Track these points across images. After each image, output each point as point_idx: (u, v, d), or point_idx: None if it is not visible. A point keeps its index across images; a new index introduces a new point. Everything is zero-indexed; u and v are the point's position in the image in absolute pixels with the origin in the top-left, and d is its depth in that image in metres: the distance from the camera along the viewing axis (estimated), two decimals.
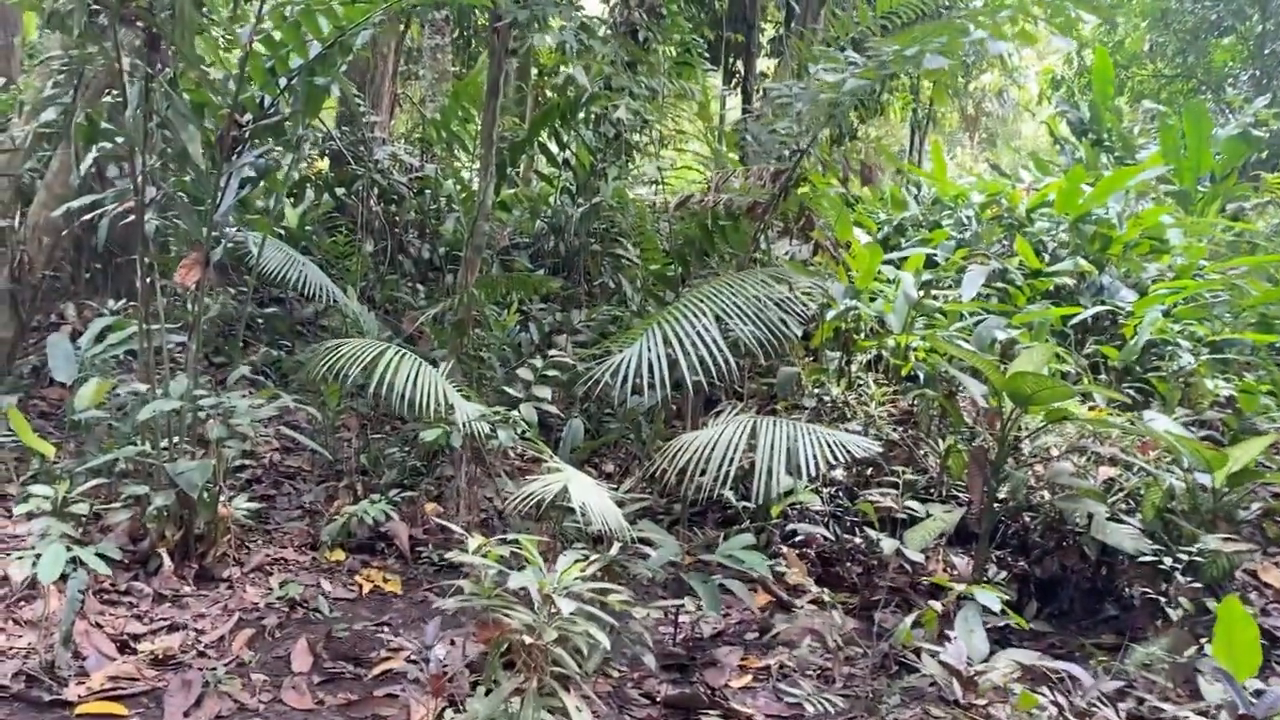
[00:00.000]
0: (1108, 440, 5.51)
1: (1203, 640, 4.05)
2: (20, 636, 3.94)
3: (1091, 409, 5.71)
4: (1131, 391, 6.28)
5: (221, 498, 4.86)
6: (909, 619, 4.02)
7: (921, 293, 6.64)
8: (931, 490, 5.56)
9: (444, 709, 3.49)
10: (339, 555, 5.16)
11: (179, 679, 3.76)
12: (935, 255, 8.02)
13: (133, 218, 4.75)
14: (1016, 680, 3.63)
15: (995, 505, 4.96)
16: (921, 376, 6.31)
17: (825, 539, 5.30)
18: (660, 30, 9.16)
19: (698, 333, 4.99)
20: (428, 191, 9.24)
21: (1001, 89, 22.18)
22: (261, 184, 5.94)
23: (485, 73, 6.42)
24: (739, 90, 13.33)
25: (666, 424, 6.11)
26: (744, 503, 5.24)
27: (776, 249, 7.00)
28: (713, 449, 4.42)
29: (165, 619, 4.29)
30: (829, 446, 4.34)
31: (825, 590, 4.66)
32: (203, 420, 4.79)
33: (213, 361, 7.26)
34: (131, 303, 5.55)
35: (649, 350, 5.02)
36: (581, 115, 8.52)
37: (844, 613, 4.56)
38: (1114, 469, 5.34)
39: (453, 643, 4.08)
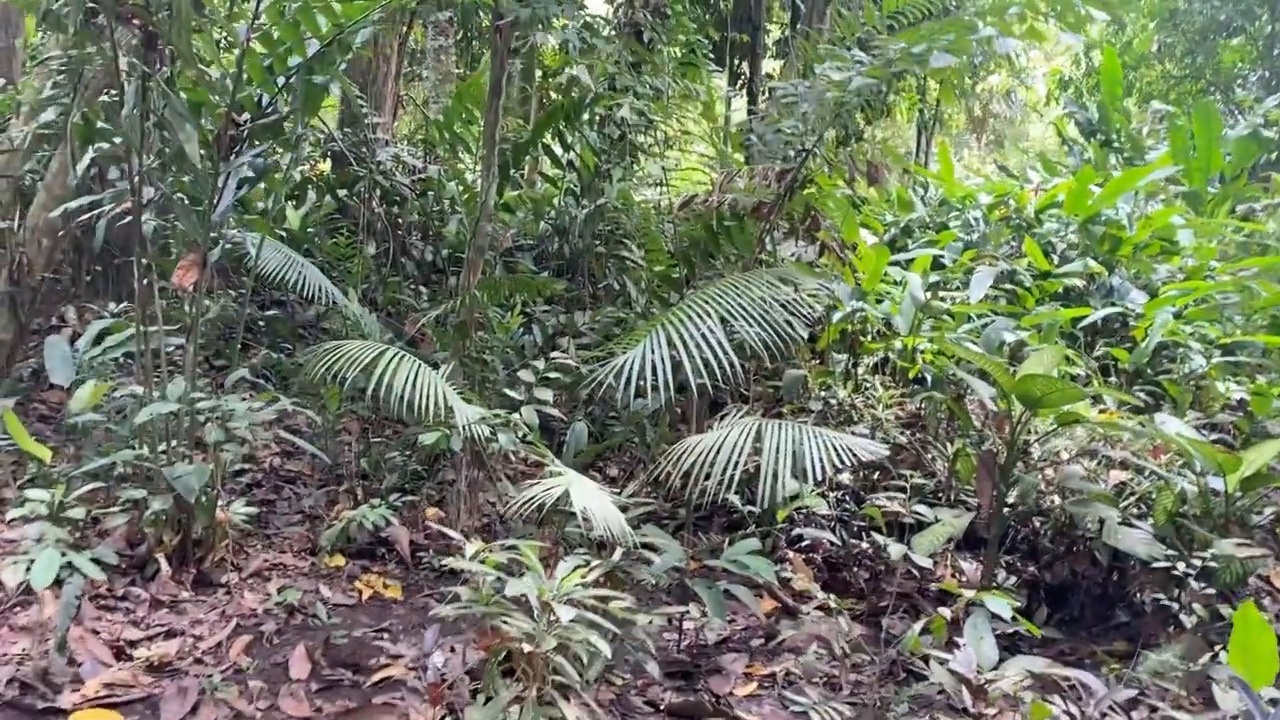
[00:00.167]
0: (1118, 444, 5.44)
1: (1217, 647, 3.98)
2: (14, 643, 3.89)
3: (1102, 412, 5.64)
4: (1142, 394, 6.21)
5: (220, 502, 4.81)
6: (917, 626, 3.95)
7: (929, 294, 6.57)
8: (939, 494, 5.49)
9: (443, 717, 3.43)
10: (339, 561, 5.10)
11: (175, 686, 3.70)
12: (942, 257, 7.96)
13: (132, 219, 4.70)
14: (1027, 689, 3.56)
15: (1004, 510, 4.89)
16: (929, 379, 6.24)
17: (832, 544, 5.24)
18: (665, 30, 9.10)
19: (702, 335, 4.92)
20: (430, 193, 9.20)
21: (1009, 90, 22.12)
22: (262, 185, 5.88)
23: (488, 73, 6.37)
24: (744, 91, 13.29)
25: (671, 427, 6.04)
26: (749, 507, 5.18)
27: (782, 250, 6.93)
28: (718, 452, 4.35)
29: (162, 625, 4.24)
30: (835, 450, 4.27)
31: (832, 596, 4.59)
32: (201, 424, 4.73)
33: (213, 365, 7.22)
34: (132, 305, 5.50)
35: (653, 352, 4.95)
36: (586, 116, 8.47)
37: (851, 619, 4.49)
38: (1125, 473, 5.26)
39: (453, 649, 4.02)
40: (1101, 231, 7.98)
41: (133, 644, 4.04)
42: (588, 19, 7.70)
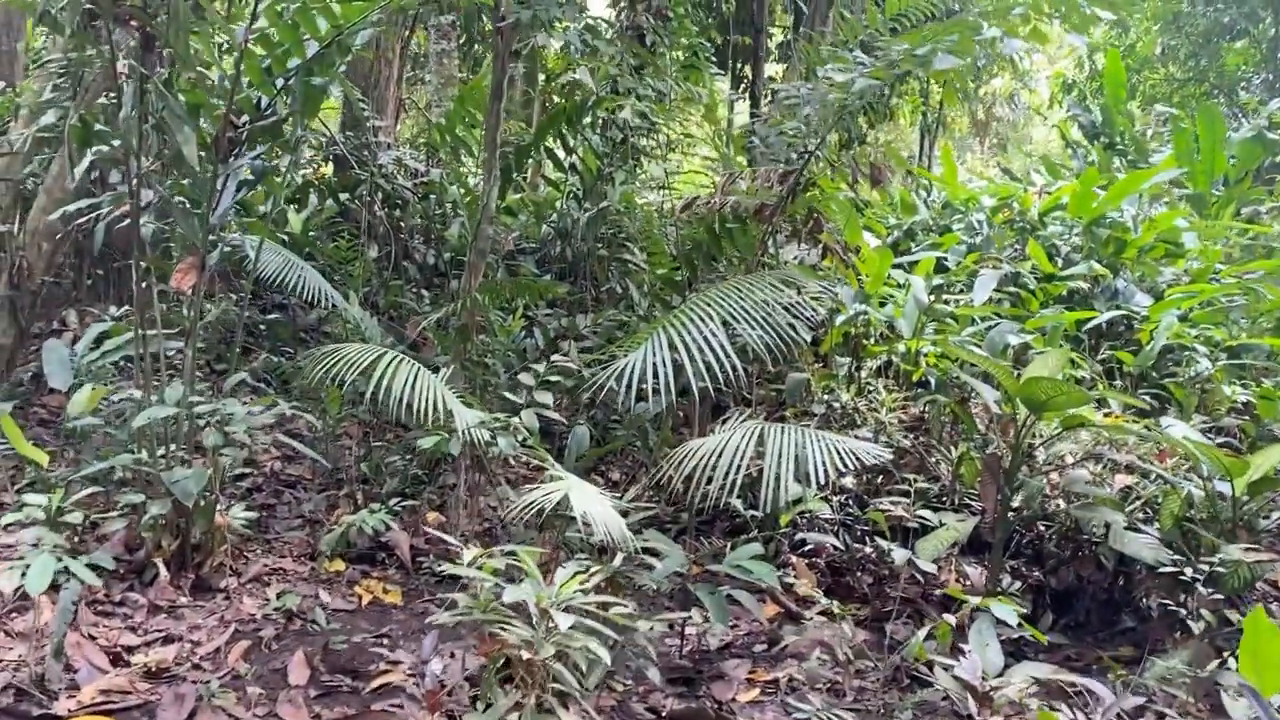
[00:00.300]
0: (1124, 448, 5.40)
1: (1225, 654, 3.94)
2: (10, 649, 3.86)
3: (1107, 415, 5.59)
4: (1147, 398, 6.17)
5: (219, 507, 4.78)
6: (922, 632, 3.91)
7: (932, 297, 6.53)
8: (943, 498, 5.45)
9: None
10: (338, 565, 5.07)
11: (172, 692, 3.67)
12: (946, 260, 7.91)
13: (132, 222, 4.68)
14: (1033, 695, 3.52)
15: (1009, 514, 4.85)
16: (933, 382, 6.20)
17: (835, 548, 5.19)
18: (667, 33, 9.07)
19: (704, 337, 4.89)
20: (432, 197, 9.17)
21: (1012, 93, 22.08)
22: (262, 188, 5.87)
23: (490, 76, 6.34)
24: (747, 95, 13.26)
25: (673, 431, 6.01)
26: (752, 511, 5.14)
27: (785, 253, 6.90)
28: (720, 456, 4.32)
29: (160, 630, 4.21)
30: (838, 453, 4.24)
31: (835, 601, 4.54)
32: (200, 428, 4.70)
33: (214, 369, 7.19)
34: (133, 308, 5.48)
35: (655, 355, 4.92)
36: (588, 119, 8.44)
37: (854, 624, 4.45)
38: (1131, 477, 5.21)
39: (452, 655, 3.98)
40: (1106, 234, 7.93)
41: (130, 650, 4.01)
42: (590, 21, 7.67)
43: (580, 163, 8.61)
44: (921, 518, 4.91)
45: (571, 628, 2.96)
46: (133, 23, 4.32)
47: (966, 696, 3.49)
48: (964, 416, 5.69)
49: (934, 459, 5.76)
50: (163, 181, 4.80)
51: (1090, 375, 6.27)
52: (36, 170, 6.87)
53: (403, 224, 8.92)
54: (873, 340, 6.81)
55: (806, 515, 5.29)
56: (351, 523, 5.01)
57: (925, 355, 6.33)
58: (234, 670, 3.94)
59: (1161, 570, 4.41)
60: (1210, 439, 5.26)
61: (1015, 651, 4.28)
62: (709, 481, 4.34)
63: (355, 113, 9.01)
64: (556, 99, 10.81)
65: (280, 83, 4.72)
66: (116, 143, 4.50)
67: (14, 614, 4.12)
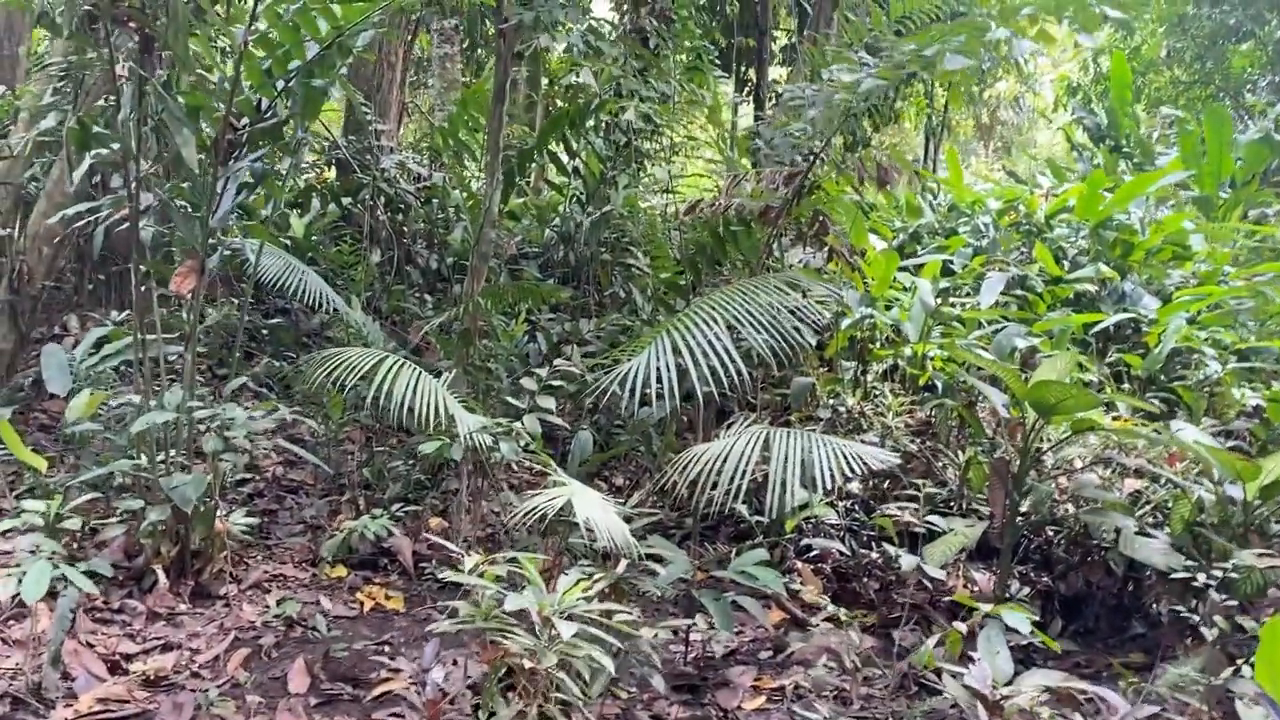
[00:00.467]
0: (1133, 451, 5.34)
1: (1238, 661, 3.88)
2: (7, 657, 3.83)
3: (1115, 419, 5.54)
4: (1155, 401, 6.11)
5: (219, 512, 4.74)
6: (931, 640, 3.86)
7: (939, 300, 6.49)
8: (951, 503, 5.40)
9: None
10: (340, 572, 5.02)
11: (170, 701, 3.63)
12: (952, 263, 7.87)
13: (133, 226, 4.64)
14: (1044, 704, 3.46)
15: (1018, 519, 4.79)
16: (939, 386, 6.14)
17: (841, 554, 5.14)
18: (670, 36, 9.03)
19: (709, 341, 4.83)
20: (435, 201, 9.14)
21: (1017, 96, 22.04)
22: (264, 192, 5.82)
23: (493, 79, 6.31)
24: (751, 98, 13.22)
25: (677, 436, 5.96)
26: (757, 517, 5.08)
27: (790, 256, 6.85)
28: (725, 461, 4.27)
29: (159, 638, 4.17)
30: (845, 458, 4.18)
31: (841, 608, 4.48)
32: (200, 433, 4.66)
33: (215, 374, 7.16)
34: (133, 313, 5.45)
35: (659, 359, 4.87)
36: (591, 123, 8.41)
37: (861, 631, 4.39)
38: (1140, 481, 5.16)
39: (454, 663, 3.93)
40: (1113, 236, 7.89)
41: (128, 658, 3.97)
42: (593, 22, 7.63)
43: (583, 166, 8.57)
44: (930, 523, 4.85)
45: (575, 636, 2.91)
46: (131, 24, 4.29)
47: (976, 705, 3.43)
48: (971, 420, 5.64)
49: (941, 464, 5.71)
50: (162, 184, 4.76)
51: (1098, 378, 6.22)
52: (37, 174, 6.84)
53: (405, 228, 8.89)
54: (878, 344, 6.76)
55: (812, 521, 5.24)
56: (353, 528, 4.98)
57: (932, 359, 6.28)
58: (233, 678, 3.90)
59: (1173, 576, 4.35)
60: (1220, 443, 5.20)
61: (1024, 658, 4.23)
62: (714, 487, 4.29)
63: (358, 117, 8.98)
64: (560, 103, 10.77)
65: (280, 85, 4.68)
66: (115, 145, 4.46)
67: (11, 621, 4.08)
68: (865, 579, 5.12)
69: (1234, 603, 4.27)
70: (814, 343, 6.01)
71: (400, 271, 8.65)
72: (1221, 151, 10.63)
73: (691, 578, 4.35)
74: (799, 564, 5.18)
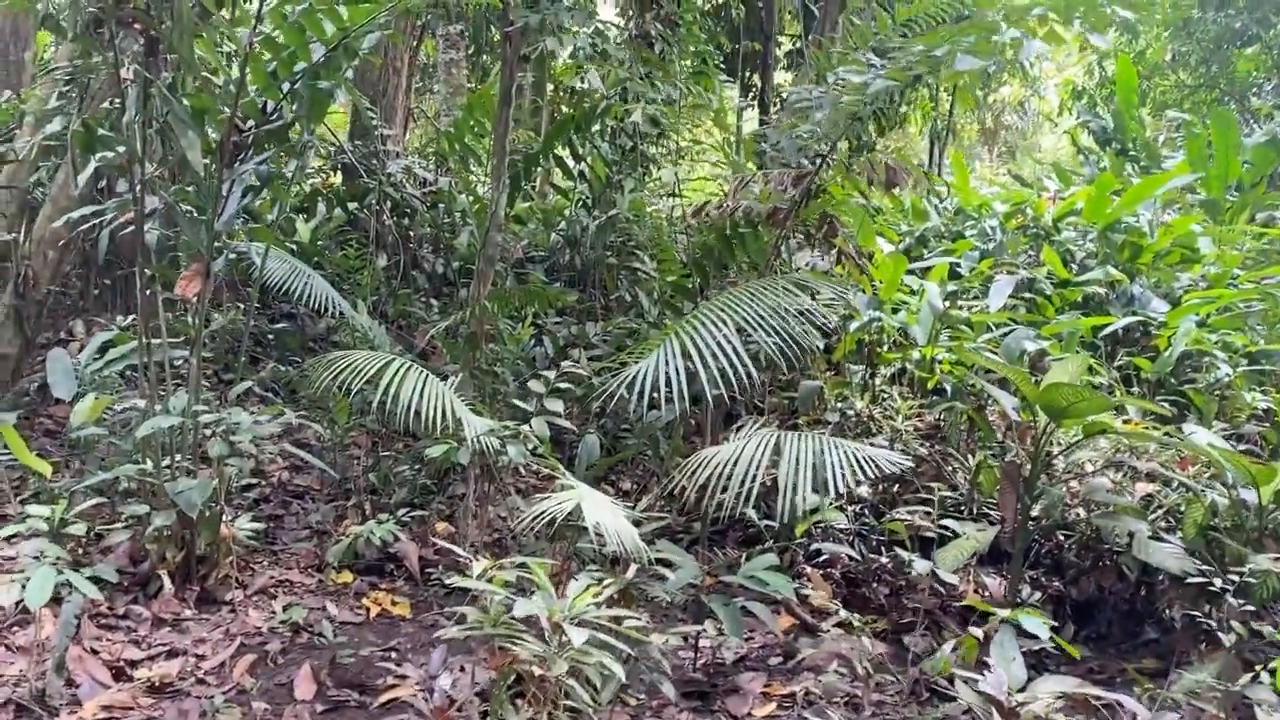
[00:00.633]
0: (1145, 455, 5.30)
1: (1255, 667, 3.83)
2: (11, 663, 3.80)
3: (1126, 422, 5.50)
4: (1166, 404, 6.07)
5: (225, 517, 4.71)
6: (947, 646, 3.82)
7: (947, 303, 6.45)
8: (961, 507, 5.36)
9: None
10: (346, 577, 4.99)
11: (175, 708, 3.61)
12: (959, 266, 7.84)
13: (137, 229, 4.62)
14: (1059, 710, 3.42)
15: (1029, 523, 4.75)
16: (949, 389, 6.11)
17: (851, 559, 5.10)
18: (676, 40, 9.02)
19: (717, 343, 4.79)
20: (441, 205, 9.13)
21: (1022, 100, 22.01)
22: (270, 196, 5.81)
23: (499, 83, 6.29)
24: (756, 103, 13.20)
25: (685, 439, 5.92)
26: (766, 521, 5.05)
27: (798, 259, 6.83)
28: (734, 465, 4.23)
29: (164, 644, 4.14)
30: (857, 461, 4.14)
31: (852, 613, 4.44)
32: (206, 437, 4.64)
33: (221, 378, 7.13)
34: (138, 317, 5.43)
35: (667, 363, 4.83)
36: (597, 127, 8.39)
37: (872, 636, 4.35)
38: (1152, 485, 5.12)
39: (462, 670, 3.89)
40: (1121, 239, 7.86)
41: (133, 664, 3.95)
42: (599, 25, 7.61)
43: (589, 170, 8.55)
44: (944, 527, 4.82)
45: (585, 642, 2.87)
46: (136, 27, 4.27)
47: (991, 711, 3.39)
48: (981, 424, 5.60)
49: (951, 467, 5.67)
50: (168, 188, 4.74)
51: (1108, 382, 6.18)
52: (42, 179, 6.83)
53: (411, 232, 8.88)
54: (887, 347, 6.73)
55: (822, 525, 5.20)
56: (359, 533, 4.95)
57: (940, 362, 6.25)
58: (239, 685, 3.87)
59: (1188, 581, 4.31)
60: (1232, 446, 5.16)
61: (1036, 663, 4.19)
62: (723, 491, 4.25)
63: (364, 122, 8.97)
64: (565, 107, 10.76)
65: (286, 87, 4.66)
66: (120, 149, 4.44)
67: (15, 628, 4.05)
68: (875, 584, 5.08)
69: (1250, 608, 4.23)
70: (822, 346, 5.99)
71: (406, 276, 8.64)
72: (1228, 155, 10.60)
73: (701, 583, 4.31)
74: (808, 569, 5.14)
